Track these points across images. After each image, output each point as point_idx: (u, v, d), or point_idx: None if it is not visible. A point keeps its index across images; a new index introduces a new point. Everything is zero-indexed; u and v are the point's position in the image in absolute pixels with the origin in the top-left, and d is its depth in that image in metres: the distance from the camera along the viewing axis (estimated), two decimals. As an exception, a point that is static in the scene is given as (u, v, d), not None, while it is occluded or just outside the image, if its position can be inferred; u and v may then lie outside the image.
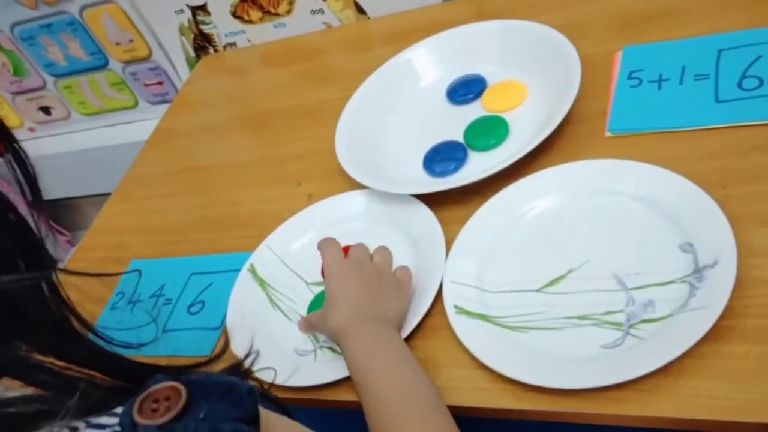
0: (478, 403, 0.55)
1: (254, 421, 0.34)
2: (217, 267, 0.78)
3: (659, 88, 0.69)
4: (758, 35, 0.68)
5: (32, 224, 0.38)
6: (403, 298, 0.61)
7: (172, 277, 0.80)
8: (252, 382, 0.40)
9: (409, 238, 0.69)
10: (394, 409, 0.51)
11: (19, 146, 0.40)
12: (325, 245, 0.65)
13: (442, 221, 0.67)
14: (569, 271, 0.59)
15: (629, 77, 0.72)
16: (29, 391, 0.35)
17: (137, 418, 0.32)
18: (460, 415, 0.57)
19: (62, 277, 0.94)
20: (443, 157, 0.74)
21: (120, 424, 0.33)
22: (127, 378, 0.37)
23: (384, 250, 0.65)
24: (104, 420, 0.33)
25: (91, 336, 0.40)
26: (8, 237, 0.36)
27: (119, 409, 0.33)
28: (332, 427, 1.08)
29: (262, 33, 1.14)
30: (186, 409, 0.32)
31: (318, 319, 0.63)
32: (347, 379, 0.60)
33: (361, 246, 0.65)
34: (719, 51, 0.69)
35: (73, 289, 0.91)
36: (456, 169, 0.72)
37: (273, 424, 0.35)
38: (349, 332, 0.57)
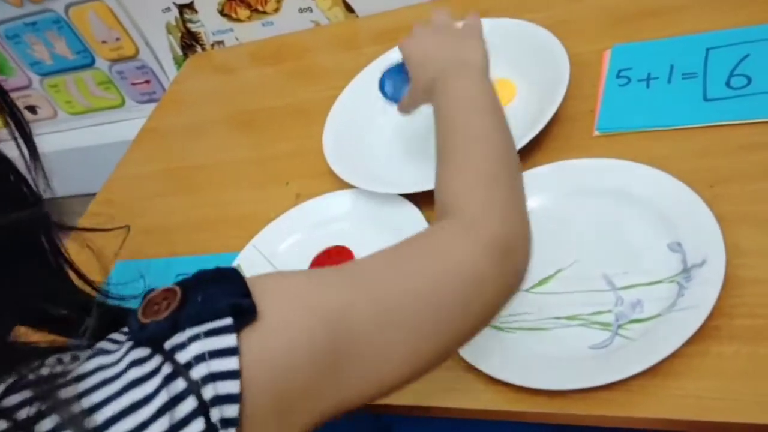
0: (467, 404, 0.55)
1: (247, 294, 0.36)
2: (204, 267, 0.77)
3: (648, 86, 0.69)
4: (746, 34, 0.68)
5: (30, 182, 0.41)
6: (477, 39, 0.61)
7: (158, 278, 0.79)
8: None
9: (397, 237, 0.68)
10: (468, 153, 0.50)
11: (13, 103, 0.41)
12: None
13: (430, 221, 0.67)
14: (558, 271, 0.59)
15: (618, 76, 0.72)
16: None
17: (143, 320, 0.35)
18: (450, 417, 0.56)
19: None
20: None
21: (129, 330, 0.36)
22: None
23: (442, 15, 0.65)
24: (106, 345, 0.36)
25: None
26: (8, 194, 0.39)
27: (119, 336, 0.37)
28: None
29: (250, 31, 1.13)
30: (184, 301, 0.35)
31: (408, 96, 0.65)
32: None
33: (442, 14, 0.66)
34: (707, 50, 0.69)
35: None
36: None
37: (263, 287, 0.37)
38: (435, 82, 0.57)
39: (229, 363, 0.34)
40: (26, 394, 0.32)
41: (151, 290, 0.37)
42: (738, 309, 0.50)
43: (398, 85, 0.68)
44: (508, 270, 0.45)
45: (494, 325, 0.58)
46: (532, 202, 0.64)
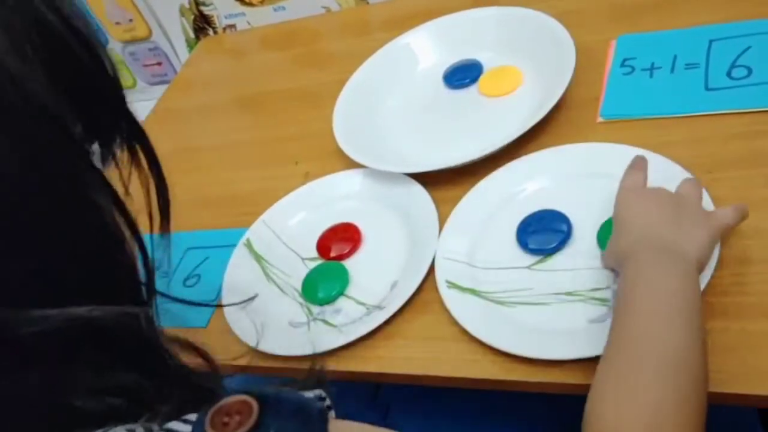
0: (467, 374, 0.57)
1: None
2: (214, 242, 0.80)
3: (651, 75, 0.71)
4: (748, 27, 0.70)
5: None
6: (706, 234, 0.50)
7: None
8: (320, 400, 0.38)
9: (403, 215, 0.70)
10: (636, 357, 0.42)
11: (161, 172, 0.42)
12: (631, 169, 0.57)
13: (435, 200, 0.69)
14: (559, 250, 0.61)
15: (622, 65, 0.74)
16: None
17: (209, 430, 0.33)
18: (451, 386, 0.58)
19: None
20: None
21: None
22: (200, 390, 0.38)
23: (694, 182, 0.55)
24: (177, 426, 0.33)
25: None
26: (118, 271, 0.37)
27: (191, 416, 0.34)
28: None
29: (261, 16, 1.15)
30: (257, 425, 0.32)
31: (607, 253, 0.55)
32: (340, 349, 0.62)
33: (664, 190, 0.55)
34: (710, 41, 0.71)
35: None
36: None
37: None
38: (630, 254, 0.49)
39: None
40: None
41: (223, 398, 0.34)
42: (730, 287, 0.52)
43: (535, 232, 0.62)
44: None
45: (495, 299, 0.60)
46: (535, 184, 0.67)
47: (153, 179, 0.41)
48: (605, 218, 0.61)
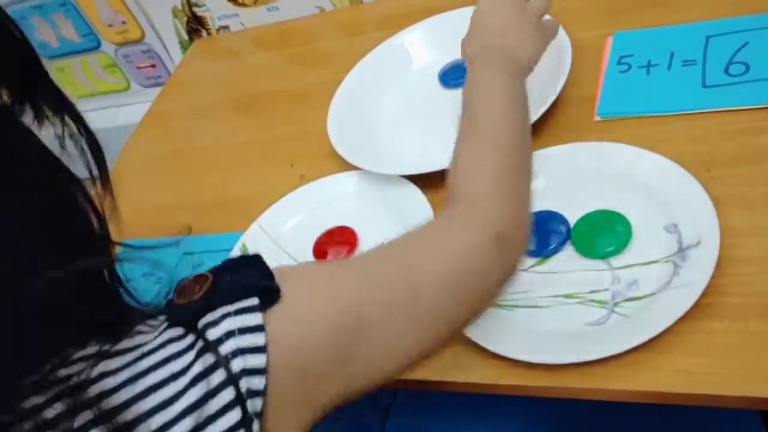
0: (465, 378, 0.56)
1: (271, 278, 0.39)
2: (209, 247, 0.79)
3: (648, 73, 0.70)
4: (745, 22, 0.69)
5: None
6: (540, 43, 0.62)
7: (165, 256, 0.81)
8: None
9: (399, 218, 0.70)
10: (480, 135, 0.52)
11: (81, 117, 0.43)
12: None
13: (432, 202, 0.68)
14: (557, 251, 0.60)
15: (619, 62, 0.73)
16: None
17: (178, 301, 0.39)
18: (448, 390, 0.58)
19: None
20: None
21: (167, 312, 0.39)
22: None
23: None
24: (152, 321, 0.39)
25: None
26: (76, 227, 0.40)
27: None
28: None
29: (255, 16, 1.14)
30: (215, 283, 0.38)
31: (463, 43, 0.64)
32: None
33: None
34: (707, 37, 0.70)
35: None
36: None
37: (284, 273, 0.39)
38: (474, 62, 0.59)
39: (257, 339, 0.36)
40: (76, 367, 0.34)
41: (183, 279, 0.41)
42: (730, 288, 0.52)
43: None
44: (507, 257, 0.47)
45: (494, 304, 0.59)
46: (533, 184, 0.66)
47: (80, 132, 0.44)
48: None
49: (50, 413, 0.32)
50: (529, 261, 0.61)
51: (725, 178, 0.58)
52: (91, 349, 0.35)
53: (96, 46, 1.28)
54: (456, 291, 0.45)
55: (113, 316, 0.39)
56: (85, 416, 0.33)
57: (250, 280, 0.38)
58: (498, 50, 0.59)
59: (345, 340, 0.39)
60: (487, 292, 0.47)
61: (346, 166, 0.76)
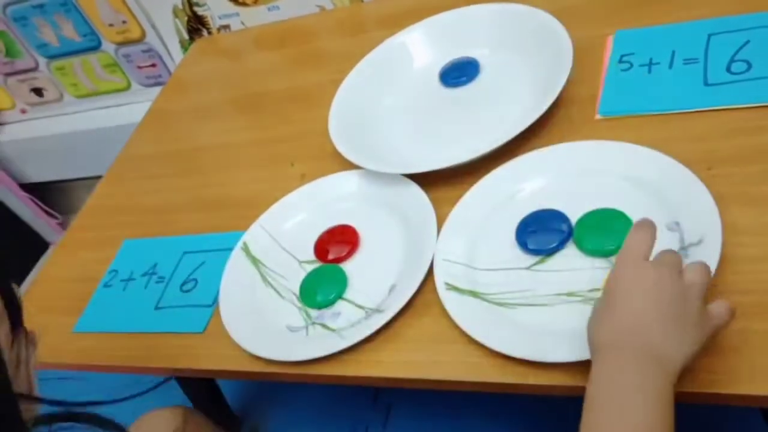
0: (467, 377, 0.56)
1: None
2: (210, 246, 0.79)
3: (649, 71, 0.70)
4: (747, 20, 0.69)
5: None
6: (698, 341, 0.46)
7: (165, 255, 0.81)
8: None
9: (401, 217, 0.70)
10: None
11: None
12: (637, 232, 0.50)
13: (433, 201, 0.68)
14: (558, 249, 0.60)
15: (620, 61, 0.73)
16: None
17: None
18: (452, 389, 0.58)
19: (56, 254, 0.94)
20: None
21: None
22: None
23: (702, 269, 0.47)
24: None
25: None
26: None
27: None
28: (323, 401, 1.10)
29: (255, 16, 1.14)
30: None
31: (590, 326, 0.49)
32: (338, 354, 0.61)
33: (673, 254, 0.49)
34: (709, 35, 0.70)
35: (66, 266, 0.92)
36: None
37: None
38: (608, 355, 0.46)
39: None
40: None
41: None
42: (733, 286, 0.52)
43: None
44: None
45: (495, 300, 0.59)
46: (534, 184, 0.66)
47: None
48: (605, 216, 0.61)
49: None
50: (531, 259, 0.61)
51: (727, 176, 0.58)
52: None
53: (96, 46, 1.28)
54: None
55: None
56: None
57: None
58: (643, 346, 0.45)
59: None
60: None
61: (347, 165, 0.76)
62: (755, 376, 0.47)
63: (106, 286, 0.81)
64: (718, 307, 0.47)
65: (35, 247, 1.61)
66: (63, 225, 1.64)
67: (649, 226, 0.50)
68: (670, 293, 0.46)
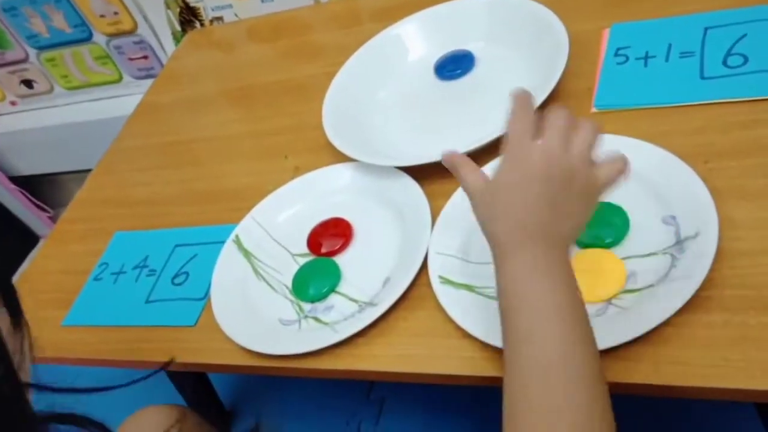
0: (462, 371, 0.56)
1: None
2: (202, 239, 0.78)
3: (645, 65, 0.70)
4: (744, 14, 0.69)
5: None
6: (588, 210, 0.47)
7: (156, 248, 0.80)
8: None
9: (395, 210, 0.69)
10: (535, 364, 0.42)
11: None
12: (516, 106, 0.49)
13: (427, 194, 0.68)
14: (553, 243, 0.60)
15: (616, 54, 0.72)
16: None
17: None
18: (446, 383, 0.57)
19: (46, 247, 0.93)
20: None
21: None
22: None
23: (590, 133, 0.47)
24: None
25: None
26: None
27: None
28: (316, 396, 1.09)
29: (249, 7, 1.13)
30: None
31: (478, 204, 0.49)
32: (331, 347, 0.61)
33: (559, 122, 0.47)
34: (705, 29, 0.70)
35: (56, 259, 0.91)
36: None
37: None
38: (507, 250, 0.46)
39: None
40: None
41: None
42: (729, 280, 0.51)
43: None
44: None
45: (490, 294, 0.58)
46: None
47: None
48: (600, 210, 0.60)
49: None
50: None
51: (724, 170, 0.58)
52: None
53: (87, 37, 1.27)
54: None
55: None
56: None
57: None
58: (534, 230, 0.46)
59: None
60: None
61: (341, 158, 0.75)
62: (750, 371, 0.47)
63: (96, 279, 0.80)
64: (607, 168, 0.47)
65: (26, 240, 1.59)
66: (54, 218, 1.62)
67: (524, 100, 0.49)
68: (558, 178, 0.46)
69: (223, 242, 0.74)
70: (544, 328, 0.43)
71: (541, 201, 0.46)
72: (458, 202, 0.66)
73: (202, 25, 1.19)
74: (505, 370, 0.44)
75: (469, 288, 0.59)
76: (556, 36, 0.73)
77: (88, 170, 1.02)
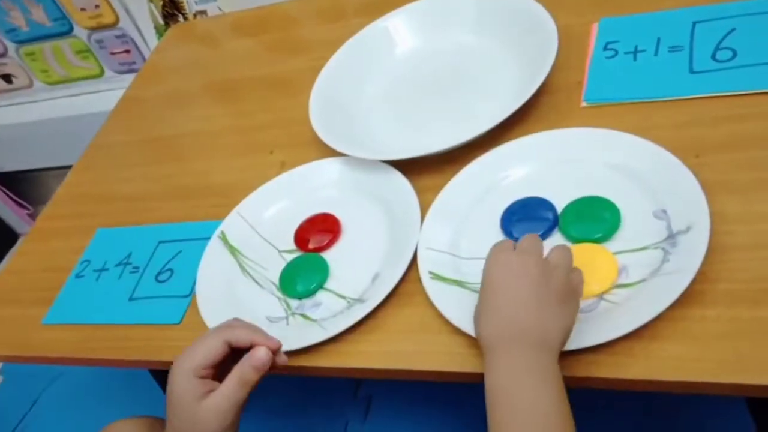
0: (452, 367, 0.55)
1: None
2: (187, 235, 0.77)
3: (635, 59, 0.70)
4: (732, 8, 0.69)
5: None
6: (571, 313, 0.50)
7: (140, 245, 0.79)
8: None
9: (383, 205, 0.68)
10: None
11: None
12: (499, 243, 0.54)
13: (417, 189, 0.67)
14: (544, 239, 0.59)
15: (605, 48, 0.72)
16: None
17: None
18: (436, 380, 0.57)
19: (26, 244, 0.91)
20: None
21: None
22: None
23: (564, 251, 0.52)
24: None
25: None
26: None
27: None
28: (302, 394, 1.08)
29: (233, 1, 1.11)
30: None
31: (477, 322, 0.53)
32: (318, 345, 0.60)
33: (534, 239, 0.53)
34: (694, 23, 0.69)
35: (37, 256, 0.89)
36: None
37: None
38: (497, 349, 0.49)
39: None
40: None
41: None
42: (721, 274, 0.51)
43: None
44: None
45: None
46: (519, 171, 0.65)
47: None
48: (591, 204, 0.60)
49: None
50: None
51: (714, 164, 0.58)
52: None
53: (68, 31, 1.25)
54: None
55: None
56: None
57: None
58: (522, 335, 0.49)
59: None
60: None
61: (328, 153, 0.74)
62: (742, 365, 0.47)
63: (77, 276, 0.79)
64: (575, 276, 0.51)
65: (5, 238, 1.57)
66: (33, 216, 1.60)
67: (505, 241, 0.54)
68: (536, 274, 0.49)
69: (208, 238, 0.73)
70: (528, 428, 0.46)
71: (528, 304, 0.49)
72: (447, 197, 0.65)
73: (185, 18, 1.17)
74: None
75: (458, 283, 0.59)
76: (545, 30, 0.72)
77: (69, 166, 1.00)
